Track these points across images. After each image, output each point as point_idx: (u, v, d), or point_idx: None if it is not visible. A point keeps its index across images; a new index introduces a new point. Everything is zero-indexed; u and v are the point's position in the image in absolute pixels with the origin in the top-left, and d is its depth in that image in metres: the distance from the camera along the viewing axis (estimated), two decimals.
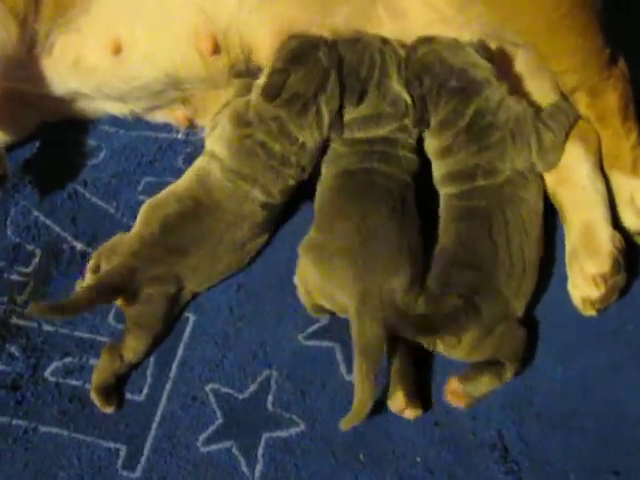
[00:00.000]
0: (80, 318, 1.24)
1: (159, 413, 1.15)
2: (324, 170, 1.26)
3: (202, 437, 1.12)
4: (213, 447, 1.12)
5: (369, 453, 1.09)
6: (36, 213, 1.38)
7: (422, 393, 1.11)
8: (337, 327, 1.19)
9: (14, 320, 1.26)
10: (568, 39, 1.20)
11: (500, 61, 1.28)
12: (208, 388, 1.16)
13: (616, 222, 1.20)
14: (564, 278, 1.19)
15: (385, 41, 1.27)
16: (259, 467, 1.09)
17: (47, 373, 1.20)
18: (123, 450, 1.12)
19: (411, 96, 1.24)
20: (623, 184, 1.21)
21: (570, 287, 1.18)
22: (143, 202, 1.27)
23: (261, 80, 1.26)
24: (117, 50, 1.34)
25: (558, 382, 1.12)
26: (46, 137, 1.50)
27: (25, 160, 1.47)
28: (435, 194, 1.24)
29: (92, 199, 1.40)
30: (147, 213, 1.24)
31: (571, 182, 1.22)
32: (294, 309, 1.21)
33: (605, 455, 1.06)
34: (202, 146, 1.30)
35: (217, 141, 1.26)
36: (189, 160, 1.37)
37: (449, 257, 1.15)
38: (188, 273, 1.21)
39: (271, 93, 1.22)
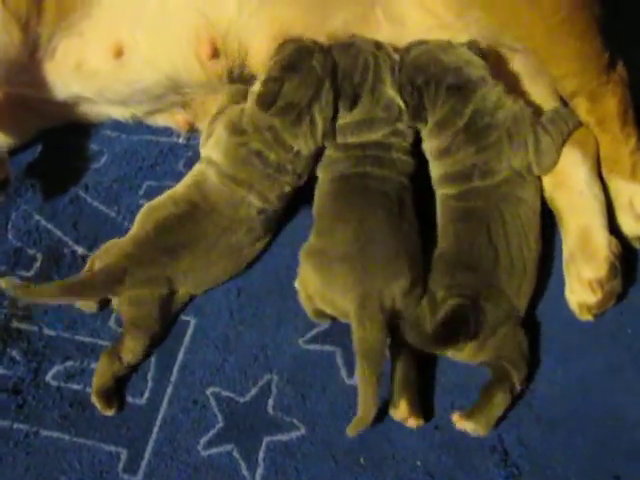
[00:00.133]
0: (81, 322, 1.25)
1: (160, 417, 1.15)
2: (320, 175, 1.26)
3: (203, 441, 1.13)
4: (214, 451, 1.12)
5: (369, 457, 1.09)
6: (37, 217, 1.39)
7: (423, 397, 1.12)
8: (337, 331, 1.19)
9: (15, 324, 1.26)
10: (567, 44, 1.20)
11: (498, 66, 1.29)
12: (209, 392, 1.17)
13: (613, 227, 1.21)
14: (563, 282, 1.19)
15: (379, 46, 1.27)
16: (260, 471, 1.09)
17: (48, 377, 1.20)
18: (124, 454, 1.12)
19: (404, 100, 1.24)
20: (622, 189, 1.22)
21: (567, 292, 1.18)
22: (144, 206, 1.27)
23: (256, 87, 1.26)
24: (119, 53, 1.34)
25: (558, 386, 1.12)
26: (48, 141, 1.50)
27: (27, 164, 1.47)
28: (433, 196, 1.24)
29: (93, 203, 1.40)
30: (143, 216, 1.25)
31: (568, 186, 1.22)
32: (294, 313, 1.21)
33: (605, 458, 1.06)
34: None
35: (214, 148, 1.26)
36: (190, 164, 1.37)
37: (450, 260, 1.15)
38: (181, 276, 1.22)
39: (266, 101, 1.22)
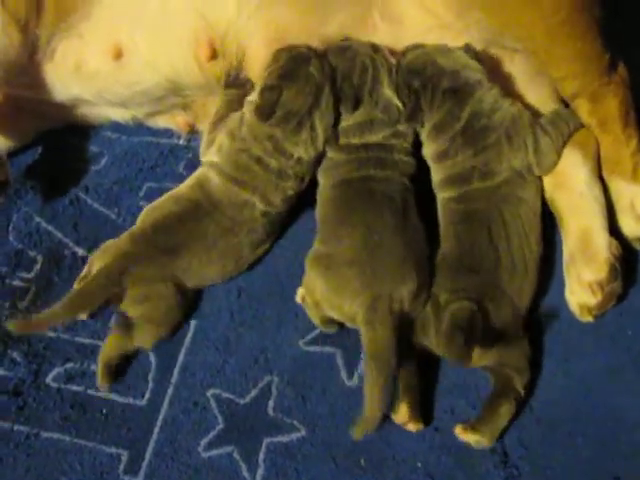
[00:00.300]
0: (81, 324, 1.24)
1: (161, 418, 1.15)
2: (321, 180, 1.26)
3: (203, 442, 1.13)
4: (214, 452, 1.12)
5: (370, 458, 1.09)
6: (38, 219, 1.39)
7: (423, 399, 1.12)
8: (337, 333, 1.19)
9: None
10: (567, 45, 1.20)
11: (498, 67, 1.29)
12: (209, 393, 1.17)
13: (614, 228, 1.21)
14: (564, 283, 1.19)
15: (375, 48, 1.27)
16: (260, 472, 1.10)
17: (49, 379, 1.20)
18: (125, 455, 1.13)
19: (402, 102, 1.24)
20: (623, 190, 1.21)
21: (567, 293, 1.18)
22: (144, 208, 1.27)
23: (253, 96, 1.26)
24: (118, 55, 1.34)
25: (558, 387, 1.12)
26: (48, 143, 1.50)
27: (27, 166, 1.47)
28: (434, 199, 1.24)
29: (94, 205, 1.40)
30: (144, 216, 1.25)
31: (568, 188, 1.22)
32: (295, 315, 1.21)
33: (605, 460, 1.06)
34: None
35: (216, 154, 1.26)
36: (190, 166, 1.38)
37: (452, 262, 1.15)
38: (180, 273, 1.21)
39: (265, 112, 1.22)
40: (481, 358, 1.11)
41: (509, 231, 1.16)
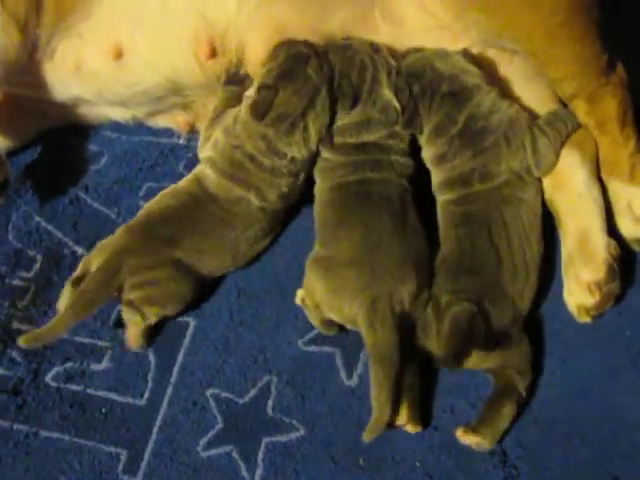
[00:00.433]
0: (81, 323, 1.23)
1: (160, 418, 1.16)
2: (318, 182, 1.26)
3: (202, 442, 1.13)
4: (213, 451, 1.12)
5: (368, 458, 1.09)
6: (37, 218, 1.39)
7: (422, 398, 1.12)
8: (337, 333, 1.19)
9: (15, 325, 1.26)
10: (566, 46, 1.20)
11: (497, 69, 1.29)
12: (208, 393, 1.17)
13: (612, 229, 1.21)
14: (562, 283, 1.19)
15: (376, 48, 1.27)
16: (259, 471, 1.10)
17: (48, 378, 1.20)
18: (124, 455, 1.13)
19: (401, 104, 1.24)
20: (621, 191, 1.22)
21: (565, 294, 1.18)
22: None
23: (251, 92, 1.26)
24: (118, 55, 1.34)
25: (556, 387, 1.13)
26: (47, 142, 1.50)
27: (27, 165, 1.47)
28: (433, 201, 1.24)
29: (93, 204, 1.40)
30: (141, 210, 1.26)
31: (567, 189, 1.22)
32: (294, 314, 1.21)
33: (603, 460, 1.07)
34: None
35: (212, 149, 1.27)
36: (190, 165, 1.38)
37: (453, 264, 1.15)
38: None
39: (259, 112, 1.22)
40: (483, 361, 1.11)
41: (510, 232, 1.17)
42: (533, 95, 1.30)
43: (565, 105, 1.27)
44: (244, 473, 1.10)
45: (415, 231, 1.18)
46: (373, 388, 1.06)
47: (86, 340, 1.24)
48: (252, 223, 1.25)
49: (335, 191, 1.22)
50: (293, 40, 1.27)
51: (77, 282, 1.21)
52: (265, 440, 1.12)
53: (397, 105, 1.24)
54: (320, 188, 1.25)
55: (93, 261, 1.22)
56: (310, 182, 1.27)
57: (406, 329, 1.11)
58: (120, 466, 1.12)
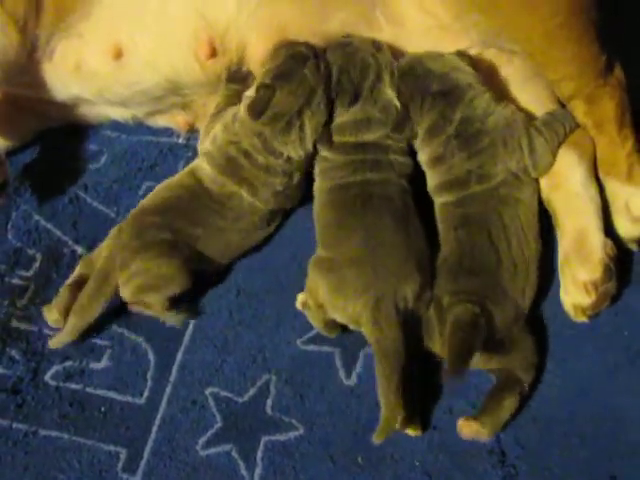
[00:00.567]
0: None
1: (159, 416, 1.16)
2: (317, 181, 1.25)
3: (202, 440, 1.13)
4: (212, 450, 1.12)
5: (367, 457, 1.09)
6: (37, 217, 1.39)
7: (422, 398, 1.12)
8: None
9: (15, 324, 1.26)
10: (564, 47, 1.21)
11: (496, 69, 1.30)
12: (208, 392, 1.17)
13: (609, 228, 1.21)
14: (559, 283, 1.20)
15: (378, 47, 1.27)
16: (258, 470, 1.10)
17: (47, 377, 1.20)
18: (123, 453, 1.13)
19: (401, 103, 1.24)
20: (618, 191, 1.22)
21: (562, 293, 1.18)
22: None
23: (250, 92, 1.27)
24: (118, 55, 1.34)
25: (555, 387, 1.13)
26: (47, 141, 1.50)
27: (26, 164, 1.47)
28: (432, 202, 1.24)
29: (93, 203, 1.40)
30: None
31: (564, 188, 1.22)
32: (293, 314, 1.22)
33: (602, 459, 1.07)
34: None
35: (211, 144, 1.28)
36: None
37: (453, 265, 1.15)
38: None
39: (256, 110, 1.22)
40: (488, 362, 1.11)
41: (508, 232, 1.17)
42: (532, 95, 1.30)
43: (564, 105, 1.27)
44: (243, 472, 1.10)
45: (417, 231, 1.18)
46: (381, 388, 1.06)
47: (85, 339, 1.23)
48: (244, 216, 1.25)
49: (335, 192, 1.22)
50: (294, 42, 1.28)
51: (74, 286, 1.23)
52: (264, 439, 1.12)
53: (398, 104, 1.24)
54: (320, 188, 1.25)
55: (94, 262, 1.23)
56: (310, 182, 1.27)
57: (410, 328, 1.11)
58: (119, 465, 1.12)
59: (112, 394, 1.18)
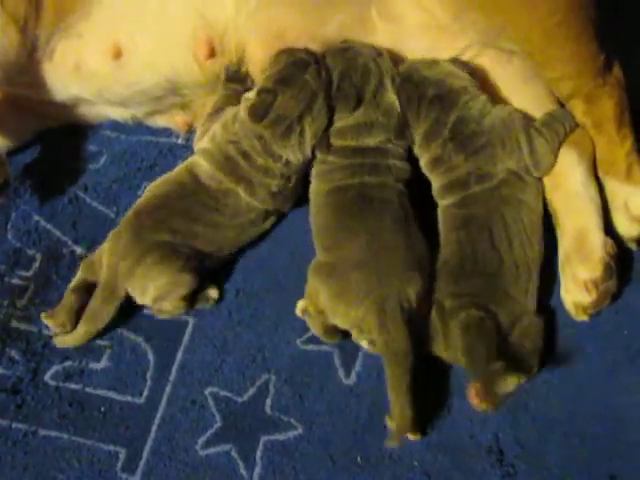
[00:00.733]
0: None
1: (158, 416, 1.16)
2: (314, 183, 1.25)
3: (201, 440, 1.13)
4: (212, 450, 1.12)
5: (366, 456, 1.09)
6: (37, 217, 1.39)
7: (420, 397, 1.12)
8: None
9: (14, 324, 1.26)
10: (563, 46, 1.21)
11: (496, 68, 1.30)
12: (207, 392, 1.17)
13: (609, 227, 1.21)
14: (560, 283, 1.20)
15: (379, 53, 1.27)
16: (257, 470, 1.10)
17: (47, 377, 1.21)
18: (122, 453, 1.13)
19: (402, 108, 1.24)
20: (617, 190, 1.22)
21: (562, 292, 1.18)
22: None
23: (251, 94, 1.27)
24: (118, 55, 1.35)
25: (554, 386, 1.13)
26: (47, 142, 1.50)
27: (26, 165, 1.48)
28: (432, 205, 1.24)
29: (93, 204, 1.40)
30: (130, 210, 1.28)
31: (564, 188, 1.22)
32: (292, 314, 1.21)
33: (601, 459, 1.07)
34: None
35: (209, 142, 1.28)
36: None
37: (454, 268, 1.15)
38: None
39: (258, 113, 1.22)
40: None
41: (510, 233, 1.17)
42: (531, 95, 1.30)
43: (563, 105, 1.27)
44: (243, 472, 1.10)
45: (416, 234, 1.18)
46: (392, 391, 1.06)
47: None
48: (241, 213, 1.26)
49: (333, 194, 1.22)
50: (294, 48, 1.28)
51: (77, 290, 1.23)
52: (263, 439, 1.12)
53: (399, 108, 1.25)
54: (316, 190, 1.25)
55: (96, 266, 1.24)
56: (307, 182, 1.27)
57: (414, 329, 1.10)
58: (119, 465, 1.12)
59: (112, 394, 1.18)
